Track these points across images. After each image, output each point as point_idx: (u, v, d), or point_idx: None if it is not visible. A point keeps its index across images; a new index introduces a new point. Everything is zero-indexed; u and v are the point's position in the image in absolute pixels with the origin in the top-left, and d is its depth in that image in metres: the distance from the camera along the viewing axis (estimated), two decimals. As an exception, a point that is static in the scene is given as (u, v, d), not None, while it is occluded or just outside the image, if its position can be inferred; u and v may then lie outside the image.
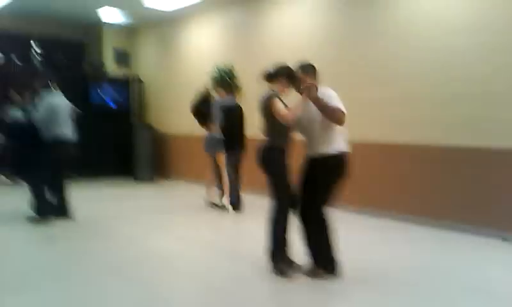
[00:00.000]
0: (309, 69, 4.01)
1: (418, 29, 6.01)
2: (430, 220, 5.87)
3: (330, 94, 3.80)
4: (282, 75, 4.02)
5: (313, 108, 3.77)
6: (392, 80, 6.30)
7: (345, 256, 3.97)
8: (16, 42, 10.11)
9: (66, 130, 5.92)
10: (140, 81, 11.10)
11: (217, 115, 6.86)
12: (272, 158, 3.99)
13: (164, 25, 10.44)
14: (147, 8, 9.14)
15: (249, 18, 8.54)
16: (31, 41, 9.79)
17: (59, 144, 5.82)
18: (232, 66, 8.66)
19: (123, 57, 11.29)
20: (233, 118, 6.88)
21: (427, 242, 5.25)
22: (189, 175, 9.79)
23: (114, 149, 10.47)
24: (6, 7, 9.14)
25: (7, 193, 8.26)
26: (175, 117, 10.18)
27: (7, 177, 9.14)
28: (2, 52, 9.47)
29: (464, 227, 5.53)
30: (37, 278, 3.90)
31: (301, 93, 3.81)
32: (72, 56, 10.93)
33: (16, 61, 9.63)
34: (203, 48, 9.53)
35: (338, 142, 3.85)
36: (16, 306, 3.36)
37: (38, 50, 9.72)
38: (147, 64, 11.16)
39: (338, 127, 3.81)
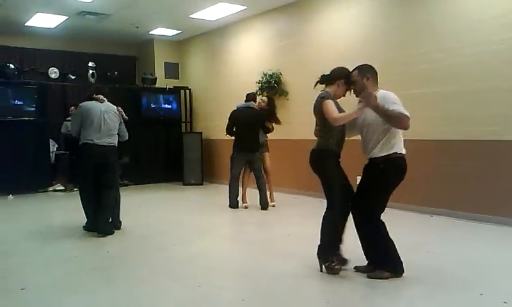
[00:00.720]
0: (367, 71, 3.88)
1: (472, 23, 5.86)
2: (489, 217, 5.68)
3: (390, 98, 3.69)
4: (339, 78, 3.95)
5: (371, 111, 3.67)
6: (447, 76, 6.17)
7: (403, 255, 3.81)
8: (72, 60, 10.69)
9: (96, 135, 5.53)
10: (189, 90, 11.43)
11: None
12: (324, 159, 3.94)
13: (211, 35, 10.66)
14: (192, 19, 9.42)
15: (293, 23, 8.58)
16: (88, 60, 10.30)
17: (86, 149, 5.56)
18: (279, 71, 8.73)
19: (172, 69, 11.71)
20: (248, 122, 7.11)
21: (487, 240, 5.09)
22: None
23: (164, 156, 10.94)
24: (60, 26, 9.69)
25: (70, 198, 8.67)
26: (222, 123, 10.34)
27: (62, 185, 9.65)
28: (57, 69, 10.00)
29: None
30: (90, 280, 4.06)
31: (359, 101, 3.71)
32: (126, 71, 11.44)
33: (72, 76, 10.13)
34: (249, 55, 9.65)
35: (397, 144, 3.74)
36: (73, 306, 3.53)
37: (93, 67, 10.22)
38: (195, 73, 11.44)
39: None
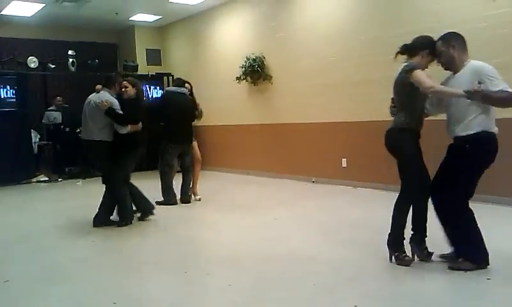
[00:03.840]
0: (452, 39, 3.50)
1: (453, 2, 5.84)
2: None
3: (486, 72, 3.31)
4: (423, 48, 3.59)
5: (462, 85, 3.30)
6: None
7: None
8: (51, 48, 10.48)
9: (84, 129, 5.46)
10: (172, 77, 11.29)
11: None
12: (403, 139, 3.60)
13: (192, 20, 10.53)
14: (172, 3, 9.28)
15: (276, 6, 8.50)
16: (68, 48, 10.12)
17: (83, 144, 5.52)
18: (263, 55, 8.66)
19: (154, 55, 11.56)
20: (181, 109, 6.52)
21: None
22: (222, 164, 9.95)
23: (149, 144, 10.75)
24: (38, 14, 9.48)
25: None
26: (206, 110, 10.28)
27: (46, 175, 9.53)
28: (37, 58, 9.81)
29: None
30: (75, 269, 4.01)
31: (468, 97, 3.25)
32: (107, 58, 11.25)
33: (51, 65, 9.94)
34: (232, 39, 9.56)
35: (487, 121, 3.36)
36: (58, 295, 3.51)
37: (73, 55, 10.04)
38: (178, 59, 11.31)
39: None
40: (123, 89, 5.45)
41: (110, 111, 5.20)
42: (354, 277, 3.51)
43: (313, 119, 7.83)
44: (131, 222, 5.43)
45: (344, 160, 7.36)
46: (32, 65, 9.77)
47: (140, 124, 5.49)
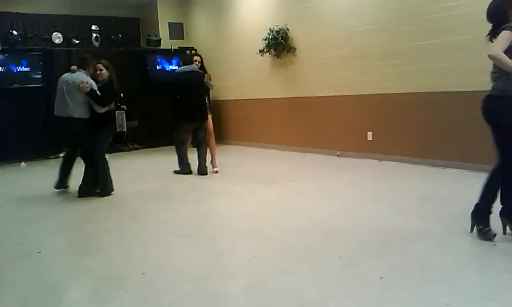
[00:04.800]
0: None
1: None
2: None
3: None
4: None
5: None
6: (459, 26, 6.00)
7: None
8: (75, 24, 10.51)
9: (61, 107, 5.65)
10: (195, 50, 11.24)
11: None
12: (499, 108, 3.36)
13: (215, -8, 10.45)
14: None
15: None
16: (91, 23, 10.17)
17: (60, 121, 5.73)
18: (286, 27, 8.54)
19: (177, 29, 11.51)
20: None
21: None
22: (245, 138, 9.97)
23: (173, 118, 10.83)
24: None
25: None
26: (230, 83, 10.29)
27: None
28: (61, 34, 9.89)
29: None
30: (104, 242, 4.11)
31: None
32: (129, 33, 11.27)
33: (75, 41, 10.01)
34: (255, 11, 9.42)
35: None
36: (89, 267, 3.60)
37: (96, 30, 10.10)
38: (200, 33, 11.24)
39: None
40: (97, 72, 5.75)
41: (92, 93, 5.55)
42: (379, 251, 3.51)
43: (338, 92, 7.72)
44: (112, 193, 5.80)
45: (369, 133, 7.27)
46: (56, 41, 9.88)
47: (113, 104, 5.87)
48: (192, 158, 6.97)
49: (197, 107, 6.71)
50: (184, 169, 6.93)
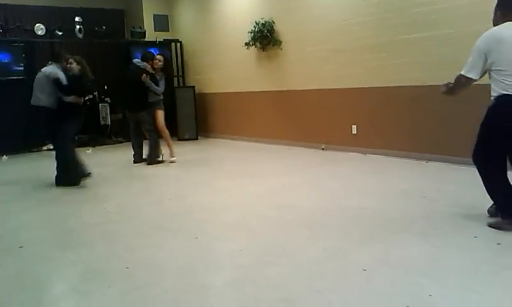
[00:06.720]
0: None
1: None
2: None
3: None
4: None
5: None
6: (442, 20, 6.04)
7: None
8: (58, 15, 10.33)
9: (35, 95, 6.14)
10: (180, 43, 11.17)
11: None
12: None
13: (200, -16, 10.37)
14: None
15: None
16: (74, 15, 10.02)
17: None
18: (272, 20, 8.51)
19: (162, 21, 11.41)
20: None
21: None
22: (230, 132, 9.96)
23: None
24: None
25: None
26: (215, 76, 10.25)
27: None
28: (44, 25, 9.73)
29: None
30: (87, 235, 4.08)
31: None
32: (114, 25, 11.11)
33: (59, 32, 9.86)
34: (241, 4, 9.36)
35: None
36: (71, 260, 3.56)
37: (80, 22, 9.95)
38: (186, 25, 11.15)
39: None
40: (68, 66, 6.09)
41: (56, 81, 5.94)
42: (363, 243, 3.53)
43: (323, 85, 7.73)
44: (85, 177, 5.96)
45: (354, 126, 7.30)
46: (39, 32, 9.70)
47: (82, 99, 6.20)
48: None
49: (130, 99, 7.36)
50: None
